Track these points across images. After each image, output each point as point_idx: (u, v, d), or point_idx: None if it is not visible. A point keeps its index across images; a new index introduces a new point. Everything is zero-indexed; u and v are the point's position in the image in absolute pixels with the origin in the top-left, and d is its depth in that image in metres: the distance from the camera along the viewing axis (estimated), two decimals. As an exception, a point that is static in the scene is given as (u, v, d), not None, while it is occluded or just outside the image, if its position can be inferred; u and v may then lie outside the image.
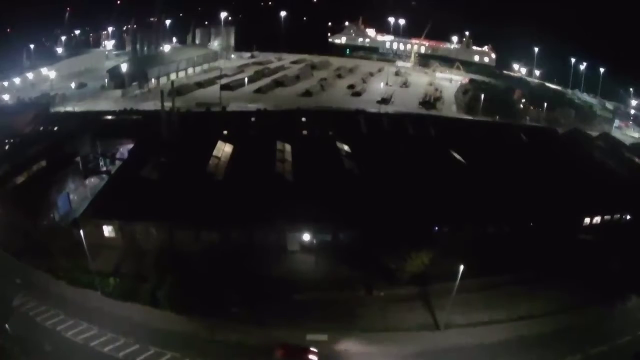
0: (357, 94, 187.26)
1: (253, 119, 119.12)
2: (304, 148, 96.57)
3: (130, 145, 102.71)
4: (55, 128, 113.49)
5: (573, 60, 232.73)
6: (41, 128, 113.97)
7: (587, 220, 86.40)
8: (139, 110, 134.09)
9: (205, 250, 70.70)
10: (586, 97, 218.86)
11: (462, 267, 58.10)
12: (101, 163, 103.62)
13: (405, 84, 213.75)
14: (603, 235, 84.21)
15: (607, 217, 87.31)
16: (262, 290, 64.35)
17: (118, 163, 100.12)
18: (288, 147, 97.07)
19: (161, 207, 73.45)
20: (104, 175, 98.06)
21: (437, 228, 77.23)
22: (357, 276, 68.66)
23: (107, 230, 73.75)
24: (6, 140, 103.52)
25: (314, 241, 73.65)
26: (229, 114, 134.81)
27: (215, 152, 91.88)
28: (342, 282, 67.86)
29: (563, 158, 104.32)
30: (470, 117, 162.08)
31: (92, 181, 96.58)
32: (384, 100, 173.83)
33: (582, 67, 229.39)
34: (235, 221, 72.57)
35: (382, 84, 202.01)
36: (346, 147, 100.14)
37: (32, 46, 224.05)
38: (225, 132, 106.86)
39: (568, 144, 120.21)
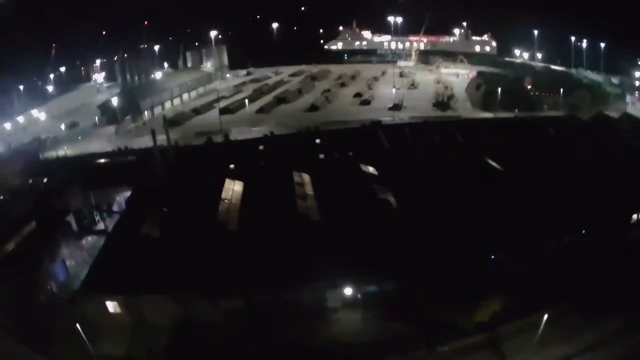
0: (366, 102, 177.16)
1: (261, 147, 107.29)
2: (325, 177, 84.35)
3: (128, 193, 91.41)
4: (45, 179, 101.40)
5: (573, 38, 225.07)
6: (30, 180, 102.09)
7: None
8: (133, 150, 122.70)
9: (228, 320, 58.69)
10: (590, 74, 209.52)
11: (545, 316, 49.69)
12: (97, 217, 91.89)
13: (413, 85, 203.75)
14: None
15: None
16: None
17: (116, 216, 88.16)
18: (307, 177, 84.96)
19: (169, 273, 61.08)
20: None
21: (493, 257, 65.66)
22: (414, 332, 56.72)
23: (111, 307, 61.87)
24: None
25: (358, 295, 61.54)
26: (234, 143, 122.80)
27: (224, 194, 79.49)
28: (398, 341, 55.98)
29: (594, 147, 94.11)
30: (490, 114, 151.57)
31: (90, 240, 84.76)
32: (396, 107, 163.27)
33: (583, 44, 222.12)
34: (259, 282, 59.96)
35: (389, 89, 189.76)
36: (371, 169, 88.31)
37: (21, 87, 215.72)
38: (232, 166, 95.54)
39: (595, 132, 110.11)
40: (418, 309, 58.16)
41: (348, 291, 60.67)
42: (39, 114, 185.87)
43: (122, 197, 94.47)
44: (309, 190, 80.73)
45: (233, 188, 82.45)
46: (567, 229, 70.52)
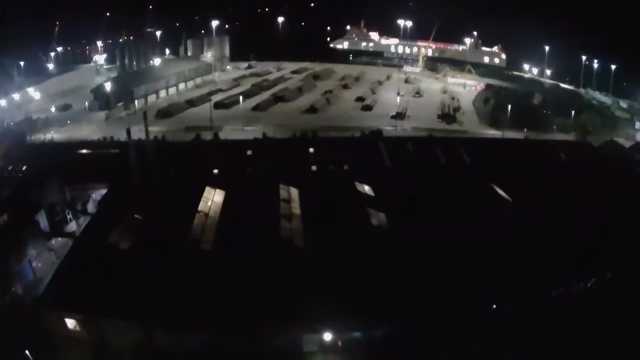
0: (368, 108, 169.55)
1: (250, 152, 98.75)
2: (316, 193, 76.17)
3: (104, 191, 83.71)
4: (24, 167, 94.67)
5: (584, 57, 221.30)
6: (10, 167, 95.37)
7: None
8: (118, 142, 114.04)
9: (194, 355, 52.03)
10: (599, 95, 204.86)
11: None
12: (69, 216, 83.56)
13: (418, 93, 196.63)
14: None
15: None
16: None
17: (88, 218, 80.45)
18: (295, 192, 77.24)
19: (133, 293, 54.05)
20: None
21: (495, 306, 58.27)
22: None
23: (70, 324, 55.35)
24: None
25: (339, 341, 53.83)
26: (222, 144, 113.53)
27: (201, 205, 72.07)
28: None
29: (606, 179, 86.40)
30: (497, 132, 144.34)
31: (60, 241, 77.20)
32: (399, 115, 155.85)
33: (593, 63, 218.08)
34: (229, 318, 52.41)
35: (393, 94, 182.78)
36: (367, 188, 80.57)
37: (22, 64, 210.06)
38: (215, 171, 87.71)
39: (607, 161, 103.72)
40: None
41: (327, 336, 52.91)
42: (35, 93, 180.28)
43: (98, 194, 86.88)
44: (296, 208, 73.10)
45: (213, 198, 75.07)
46: (577, 275, 63.41)
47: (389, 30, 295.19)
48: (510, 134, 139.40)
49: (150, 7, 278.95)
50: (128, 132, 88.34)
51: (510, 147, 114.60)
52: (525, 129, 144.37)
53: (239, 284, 55.60)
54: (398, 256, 61.21)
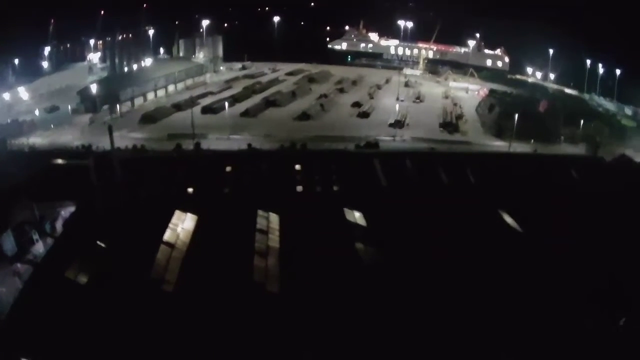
0: (365, 115, 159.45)
1: (229, 168, 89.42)
2: (298, 222, 66.99)
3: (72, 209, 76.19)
4: None
5: (588, 61, 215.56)
6: None
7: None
8: (94, 152, 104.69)
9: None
10: (603, 101, 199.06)
11: None
12: (35, 237, 74.60)
13: (418, 98, 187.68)
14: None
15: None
16: None
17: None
18: (275, 219, 68.31)
19: (89, 337, 46.74)
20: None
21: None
22: None
23: None
24: None
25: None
26: (201, 156, 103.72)
27: (168, 234, 63.06)
28: None
29: (622, 199, 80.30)
30: (503, 143, 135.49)
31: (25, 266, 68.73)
32: (398, 123, 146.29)
33: (597, 68, 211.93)
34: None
35: (392, 99, 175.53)
36: (358, 215, 71.62)
37: (16, 61, 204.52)
38: (190, 189, 78.53)
39: (620, 178, 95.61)
40: None
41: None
42: (25, 93, 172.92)
43: (67, 212, 78.72)
44: (274, 240, 63.95)
45: (182, 225, 66.15)
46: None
47: (388, 31, 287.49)
48: (517, 146, 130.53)
49: (145, 5, 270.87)
50: (85, 148, 79.31)
51: (518, 163, 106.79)
52: (532, 140, 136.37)
53: (200, 338, 47.45)
54: (391, 305, 52.39)
